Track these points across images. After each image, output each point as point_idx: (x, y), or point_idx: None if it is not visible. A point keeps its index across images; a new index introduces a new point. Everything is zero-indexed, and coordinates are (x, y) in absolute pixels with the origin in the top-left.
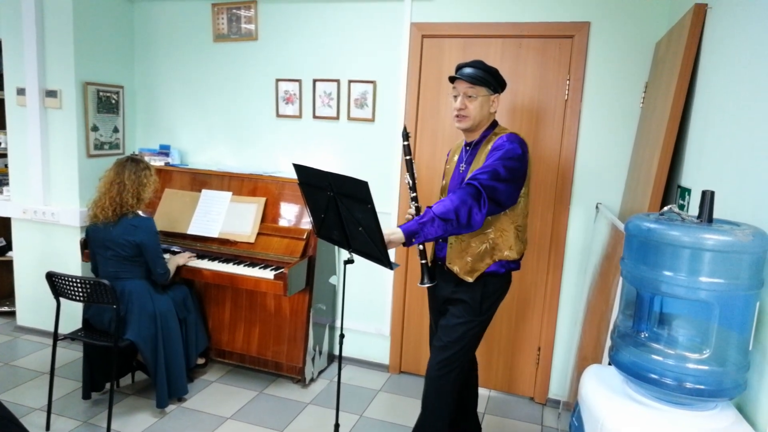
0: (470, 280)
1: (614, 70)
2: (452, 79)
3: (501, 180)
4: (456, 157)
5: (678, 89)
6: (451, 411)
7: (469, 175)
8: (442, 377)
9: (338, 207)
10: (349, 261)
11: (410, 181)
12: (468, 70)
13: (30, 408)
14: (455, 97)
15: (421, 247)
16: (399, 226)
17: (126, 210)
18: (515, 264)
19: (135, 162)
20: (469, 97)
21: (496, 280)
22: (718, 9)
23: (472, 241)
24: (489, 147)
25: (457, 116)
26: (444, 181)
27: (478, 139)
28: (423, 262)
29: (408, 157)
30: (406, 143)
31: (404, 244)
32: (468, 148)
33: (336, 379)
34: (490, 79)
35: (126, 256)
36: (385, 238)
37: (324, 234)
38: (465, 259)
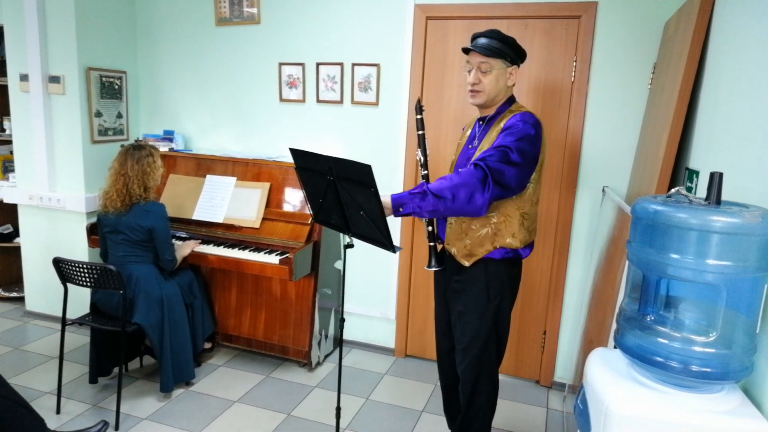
0: (467, 264)
1: (622, 51)
2: (466, 51)
3: (510, 163)
4: (468, 133)
5: (687, 70)
6: (494, 408)
7: (477, 155)
8: (477, 379)
9: (338, 191)
10: (349, 245)
11: (422, 158)
12: (482, 41)
13: (40, 392)
14: (469, 71)
15: (429, 228)
16: (391, 194)
17: (135, 200)
18: (517, 253)
19: (138, 149)
20: (483, 71)
21: (497, 265)
22: None
23: (473, 224)
24: (502, 125)
25: (471, 91)
26: (454, 157)
27: (493, 114)
28: (431, 244)
29: (420, 132)
30: (419, 117)
31: (393, 214)
32: (481, 123)
33: (343, 362)
34: (506, 49)
35: (136, 241)
36: None
37: (322, 219)
38: (464, 242)
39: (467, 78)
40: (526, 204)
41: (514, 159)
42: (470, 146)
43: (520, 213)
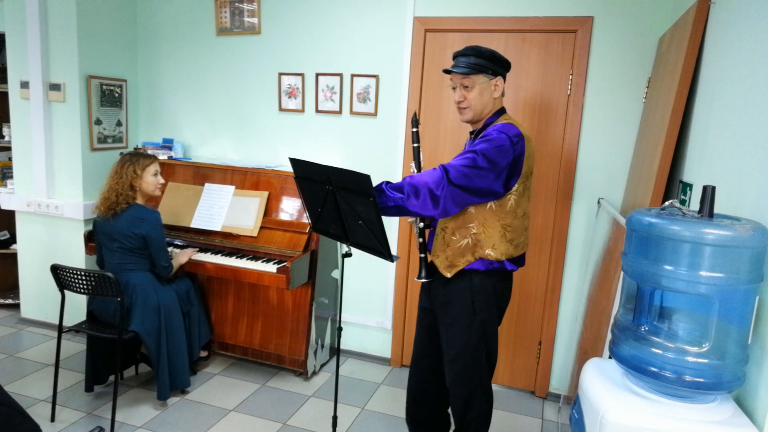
0: (448, 275)
1: (617, 65)
2: (448, 71)
3: (475, 167)
4: (465, 146)
5: (681, 84)
6: (489, 420)
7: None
8: (471, 394)
9: (337, 201)
10: (347, 254)
11: (416, 171)
12: (461, 60)
13: (35, 399)
14: (454, 88)
15: (421, 240)
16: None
17: (122, 200)
18: (502, 266)
19: (134, 154)
20: (466, 87)
21: (482, 278)
22: (721, 4)
23: (454, 235)
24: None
25: (459, 109)
26: None
27: (481, 127)
28: (422, 256)
29: (416, 145)
30: (414, 130)
31: None
32: (472, 136)
33: (339, 372)
34: (485, 63)
35: (131, 248)
36: None
37: (320, 228)
38: (446, 253)
39: (453, 97)
40: (508, 216)
41: (480, 163)
42: None
43: (500, 224)
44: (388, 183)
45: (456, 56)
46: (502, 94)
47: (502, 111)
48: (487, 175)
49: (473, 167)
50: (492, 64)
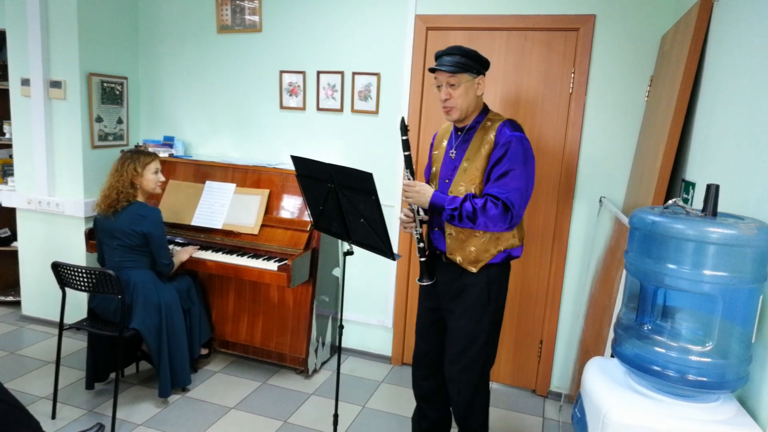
0: (474, 270)
1: (619, 64)
2: (433, 70)
3: (528, 191)
4: (445, 143)
5: (683, 83)
6: (488, 421)
7: (466, 166)
8: (477, 383)
9: (339, 199)
10: (349, 252)
11: (410, 178)
12: (447, 59)
13: (36, 396)
14: (439, 87)
15: (421, 244)
16: (434, 193)
17: (122, 197)
18: (518, 250)
19: (134, 152)
20: (452, 85)
21: (497, 268)
22: (724, 3)
23: (475, 231)
24: (490, 136)
25: (444, 108)
26: (434, 168)
27: (471, 124)
28: (423, 260)
29: (407, 153)
30: (404, 138)
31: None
32: (459, 133)
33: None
34: (470, 63)
35: (132, 246)
36: (416, 185)
37: (322, 226)
38: (468, 249)
39: (439, 95)
40: None
41: (530, 186)
42: (451, 156)
43: None
44: (456, 210)
45: (440, 55)
46: (482, 93)
47: (486, 108)
48: (532, 185)
49: (527, 192)
50: (475, 63)
